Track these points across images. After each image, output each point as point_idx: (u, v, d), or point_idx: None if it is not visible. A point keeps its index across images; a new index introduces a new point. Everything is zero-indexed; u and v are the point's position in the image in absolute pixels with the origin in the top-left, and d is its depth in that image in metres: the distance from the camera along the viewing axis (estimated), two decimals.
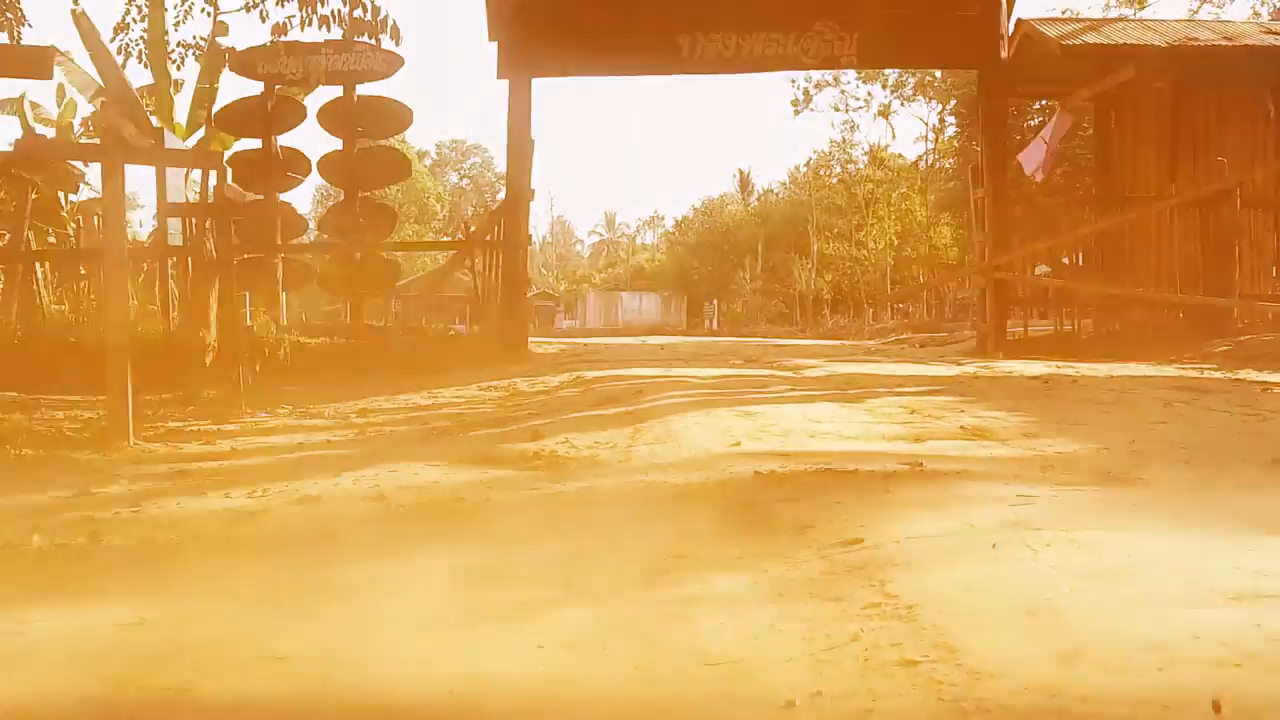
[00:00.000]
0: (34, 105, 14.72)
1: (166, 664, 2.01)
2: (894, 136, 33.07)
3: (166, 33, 12.25)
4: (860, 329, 26.38)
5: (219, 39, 13.26)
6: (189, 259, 9.23)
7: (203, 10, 10.81)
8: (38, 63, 5.42)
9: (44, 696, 1.90)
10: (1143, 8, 22.45)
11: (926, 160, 34.32)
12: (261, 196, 10.60)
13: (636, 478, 3.86)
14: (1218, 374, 8.07)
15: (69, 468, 4.70)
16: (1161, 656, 1.71)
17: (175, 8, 11.04)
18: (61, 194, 13.06)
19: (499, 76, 9.81)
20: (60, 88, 14.79)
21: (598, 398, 6.53)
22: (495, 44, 10.20)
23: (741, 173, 42.81)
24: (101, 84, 13.66)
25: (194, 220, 8.92)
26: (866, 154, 34.67)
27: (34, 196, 13.04)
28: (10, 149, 11.56)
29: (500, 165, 48.71)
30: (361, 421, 6.30)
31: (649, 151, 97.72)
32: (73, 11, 13.13)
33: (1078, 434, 4.64)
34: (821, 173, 36.24)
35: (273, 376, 8.58)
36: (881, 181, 32.60)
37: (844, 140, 34.79)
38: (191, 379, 7.33)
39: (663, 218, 48.30)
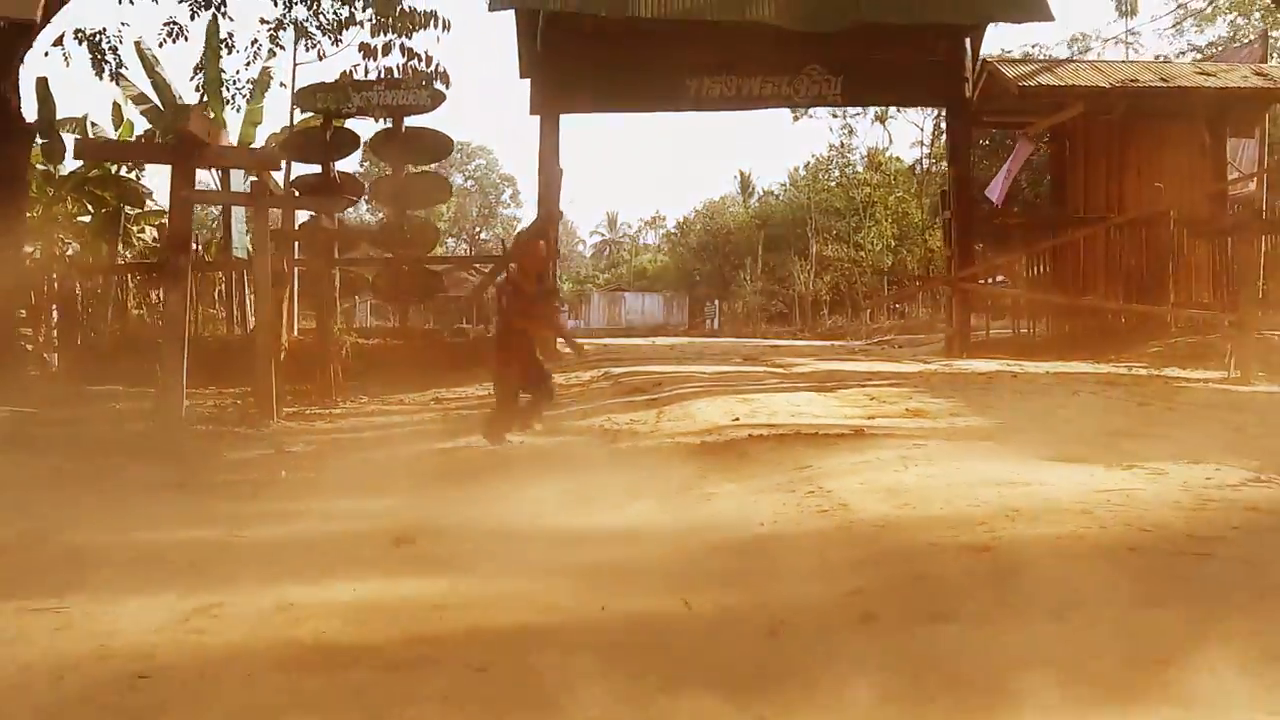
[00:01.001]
0: (93, 125, 16.52)
1: (423, 524, 3.82)
2: (890, 141, 34.70)
3: (223, 71, 14.08)
4: (858, 329, 27.83)
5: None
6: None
7: (270, 53, 12.57)
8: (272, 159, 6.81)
9: (367, 533, 3.72)
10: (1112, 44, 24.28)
11: (922, 164, 35.92)
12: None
13: (665, 440, 5.68)
14: (1142, 371, 9.86)
15: (244, 438, 6.49)
16: (950, 504, 3.55)
17: (245, 49, 12.79)
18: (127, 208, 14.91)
19: (531, 113, 11.64)
20: (116, 108, 16.54)
21: (625, 389, 8.34)
22: (528, 80, 12.08)
23: (742, 174, 44.69)
24: (159, 105, 15.53)
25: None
26: (864, 158, 36.26)
27: (104, 211, 15.01)
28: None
29: (505, 168, 50.58)
30: (439, 407, 8.10)
31: (650, 152, 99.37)
32: (136, 44, 14.98)
33: (988, 414, 6.46)
34: (820, 176, 37.88)
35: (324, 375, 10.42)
36: (878, 185, 34.08)
37: (842, 144, 36.46)
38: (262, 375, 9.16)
39: (664, 218, 50.25)
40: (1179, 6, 18.47)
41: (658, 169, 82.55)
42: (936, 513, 3.53)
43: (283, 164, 12.11)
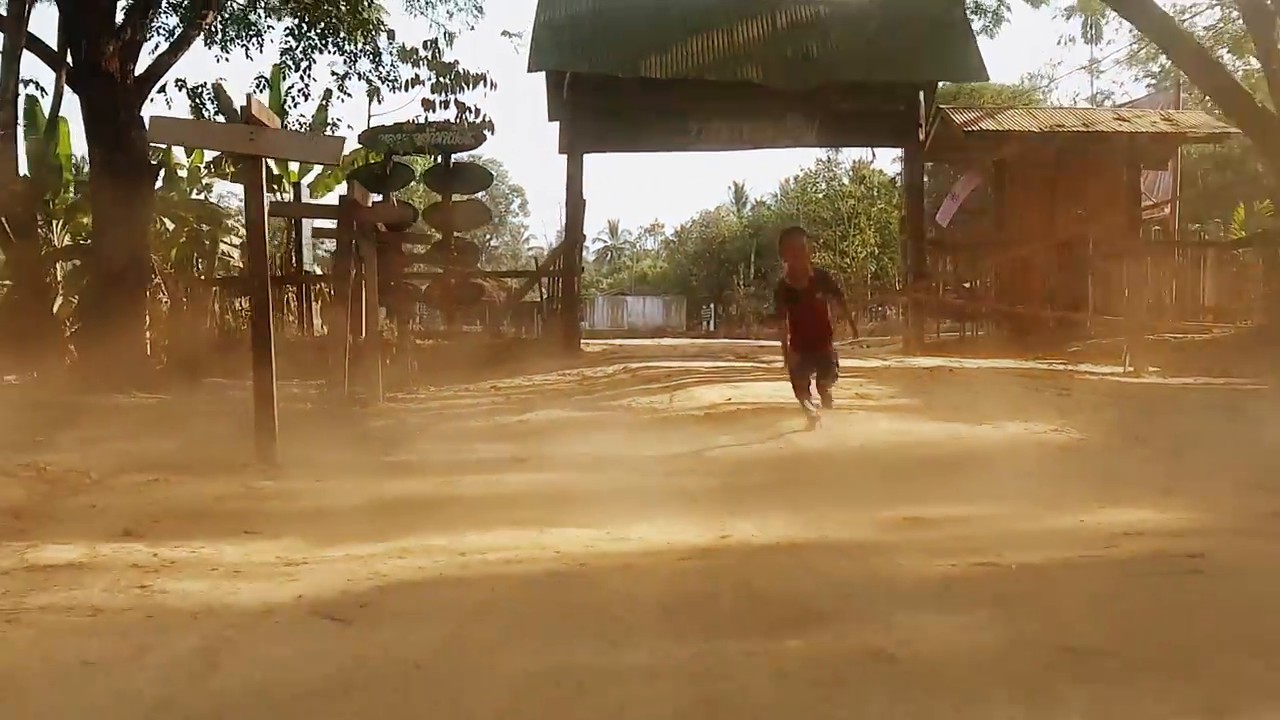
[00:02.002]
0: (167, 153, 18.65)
1: (529, 456, 5.98)
2: (874, 155, 36.77)
3: (286, 110, 16.25)
4: (842, 330, 29.88)
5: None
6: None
7: (337, 98, 14.74)
8: (331, 150, 8.49)
9: (496, 459, 5.87)
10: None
11: (903, 177, 37.96)
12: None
13: (677, 412, 7.83)
14: (1060, 367, 12.02)
15: (363, 415, 8.60)
16: (860, 440, 5.74)
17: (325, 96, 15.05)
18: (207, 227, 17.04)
19: (560, 152, 13.81)
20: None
21: (642, 379, 10.47)
22: (556, 123, 14.25)
23: (736, 185, 47.03)
24: None
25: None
26: (849, 171, 38.33)
27: (187, 229, 17.14)
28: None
29: (514, 178, 52.76)
30: (498, 393, 10.22)
31: (650, 164, 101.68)
32: (215, 84, 17.10)
33: (916, 397, 8.64)
34: (808, 188, 39.98)
35: (402, 368, 12.58)
36: (862, 197, 36.12)
37: (829, 159, 38.55)
38: (370, 367, 11.30)
39: (663, 226, 52.55)
40: (1136, 39, 20.64)
41: (657, 179, 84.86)
42: (852, 445, 5.73)
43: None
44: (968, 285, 14.45)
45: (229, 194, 19.81)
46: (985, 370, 11.34)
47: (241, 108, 5.72)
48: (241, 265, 16.36)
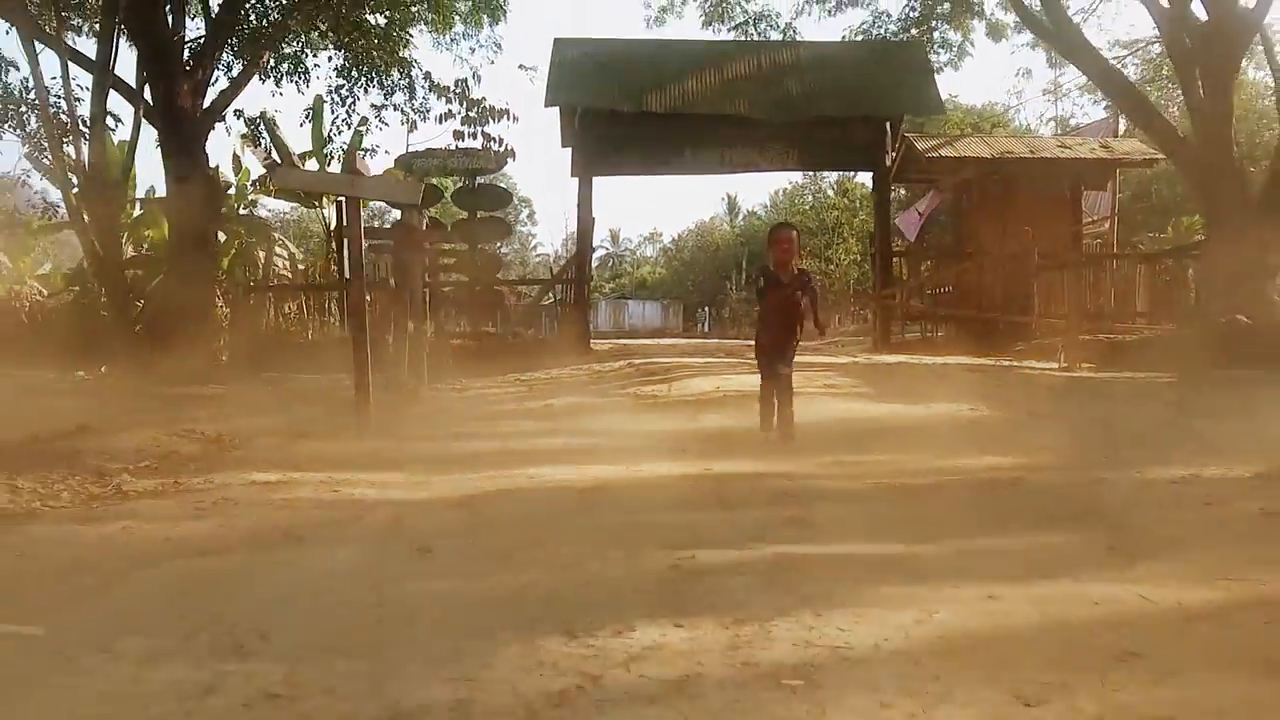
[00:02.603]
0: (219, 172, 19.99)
1: (559, 428, 7.32)
2: (855, 172, 38.08)
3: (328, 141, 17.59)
4: (836, 331, 31.25)
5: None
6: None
7: (376, 126, 16.12)
8: (411, 193, 9.85)
9: (536, 430, 7.20)
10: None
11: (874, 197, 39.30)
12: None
13: (676, 399, 9.14)
14: (1006, 363, 13.38)
15: (415, 401, 9.92)
16: (821, 417, 7.07)
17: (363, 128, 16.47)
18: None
19: (572, 175, 15.15)
20: (235, 158, 19.95)
21: (645, 372, 11.80)
22: (569, 149, 15.60)
23: (729, 196, 48.52)
24: (278, 160, 19.01)
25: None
26: (834, 185, 39.66)
27: (238, 243, 18.46)
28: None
29: (523, 190, 54.20)
30: (522, 384, 11.53)
31: (649, 179, 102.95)
32: (263, 114, 18.46)
33: (875, 385, 9.98)
34: (796, 200, 41.37)
35: (439, 364, 13.91)
36: (845, 209, 37.48)
37: (814, 174, 39.90)
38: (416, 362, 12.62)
39: (661, 234, 54.01)
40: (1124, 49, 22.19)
41: (656, 193, 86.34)
42: (811, 419, 7.05)
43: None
44: (930, 292, 15.80)
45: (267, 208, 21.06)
46: (937, 365, 12.66)
47: (345, 160, 7.02)
48: (288, 274, 17.74)
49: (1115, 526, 3.39)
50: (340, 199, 7.82)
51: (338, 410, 7.88)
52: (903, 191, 22.21)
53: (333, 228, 18.93)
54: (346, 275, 7.49)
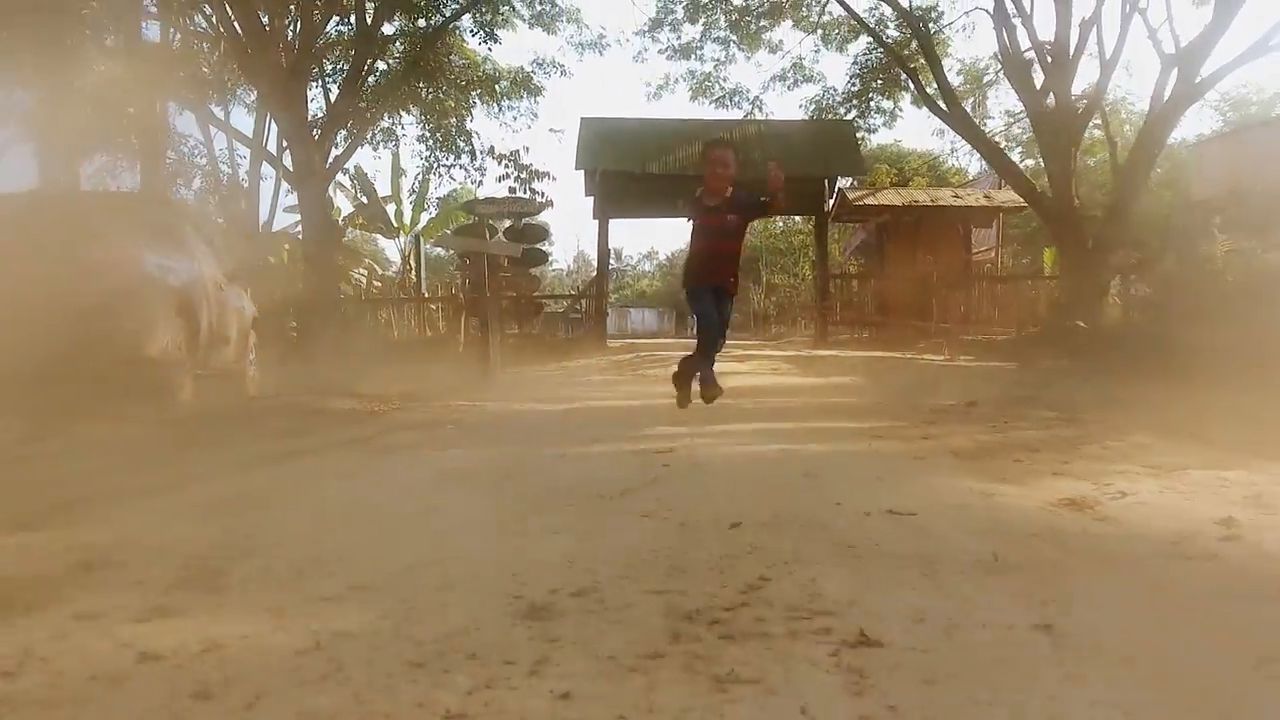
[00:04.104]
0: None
1: (590, 394, 10.46)
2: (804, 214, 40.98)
3: (412, 190, 20.68)
4: (794, 334, 34.30)
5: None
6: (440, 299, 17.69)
7: (448, 179, 19.24)
8: (515, 249, 13.09)
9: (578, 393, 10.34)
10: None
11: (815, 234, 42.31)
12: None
13: (669, 374, 12.30)
14: (906, 356, 16.49)
15: (496, 378, 13.03)
16: (756, 383, 10.22)
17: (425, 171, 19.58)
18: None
19: (593, 218, 18.30)
20: (328, 199, 23.02)
21: (649, 361, 14.95)
22: (590, 197, 18.72)
23: None
24: (365, 201, 22.16)
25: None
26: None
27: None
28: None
29: (542, 217, 57.68)
30: (564, 370, 14.67)
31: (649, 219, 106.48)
32: (357, 168, 21.60)
33: (802, 368, 13.16)
34: (768, 225, 44.39)
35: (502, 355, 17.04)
36: (810, 232, 40.52)
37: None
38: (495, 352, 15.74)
39: (657, 252, 57.32)
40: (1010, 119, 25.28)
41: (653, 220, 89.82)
42: (755, 384, 10.19)
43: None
44: (857, 304, 18.96)
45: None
46: (853, 357, 15.73)
47: (476, 221, 10.16)
48: (378, 289, 20.89)
49: (880, 416, 6.54)
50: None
51: (455, 382, 11.00)
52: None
53: (408, 255, 22.14)
54: (470, 293, 10.52)
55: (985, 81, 23.12)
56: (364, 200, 22.06)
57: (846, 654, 1.72)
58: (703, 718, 1.46)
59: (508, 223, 19.31)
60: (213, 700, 1.51)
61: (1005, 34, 16.20)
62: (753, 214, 5.30)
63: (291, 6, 14.64)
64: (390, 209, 21.78)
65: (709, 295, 5.25)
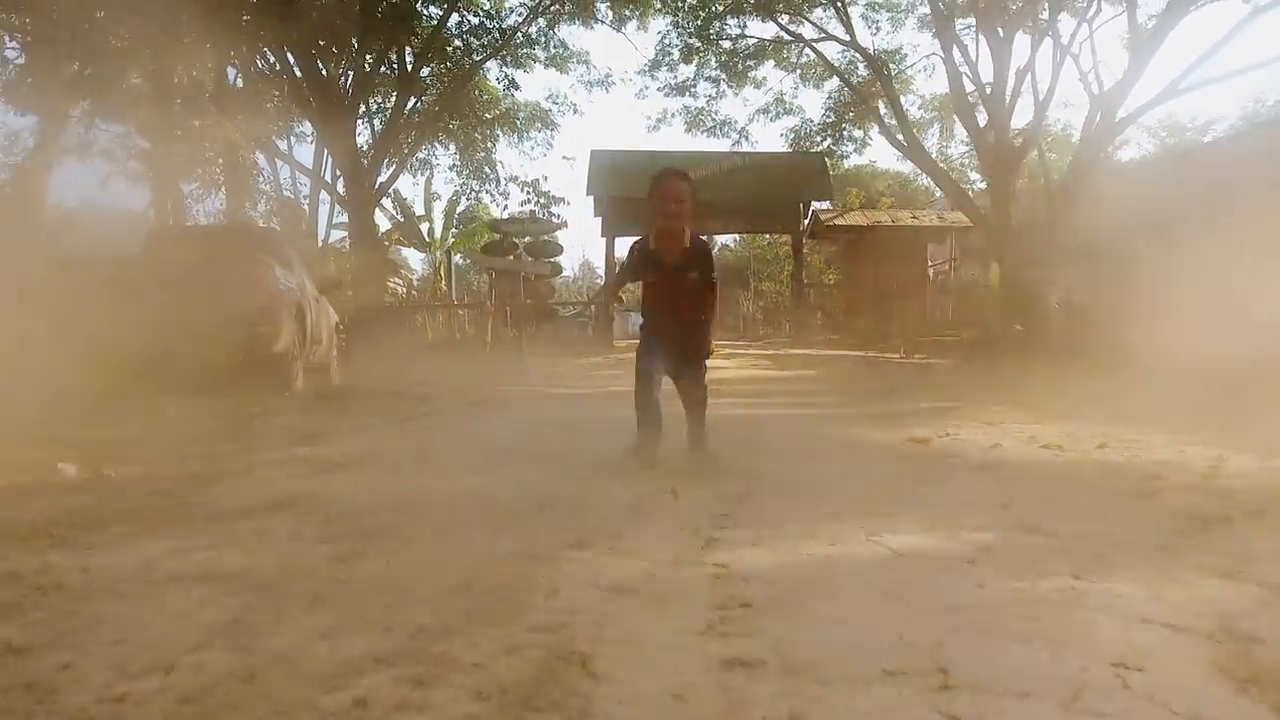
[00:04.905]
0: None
1: (607, 379, 12.19)
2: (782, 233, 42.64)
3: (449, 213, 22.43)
4: (777, 335, 36.07)
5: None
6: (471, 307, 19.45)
7: (473, 200, 20.99)
8: (542, 270, 14.91)
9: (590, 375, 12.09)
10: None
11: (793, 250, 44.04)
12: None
13: None
14: (870, 354, 18.30)
15: (526, 364, 14.73)
16: (736, 375, 11.97)
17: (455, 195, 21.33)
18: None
19: (602, 235, 20.05)
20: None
21: None
22: (599, 217, 20.48)
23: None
24: (402, 220, 23.91)
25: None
26: None
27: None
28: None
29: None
30: (578, 362, 16.39)
31: None
32: (395, 191, 23.32)
33: (779, 363, 14.93)
34: (757, 237, 46.09)
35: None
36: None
37: None
38: (527, 343, 17.48)
39: None
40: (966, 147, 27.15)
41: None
42: (734, 375, 11.92)
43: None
44: (830, 310, 20.72)
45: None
46: (823, 355, 17.58)
47: (503, 238, 11.91)
48: (415, 295, 22.63)
49: (823, 396, 8.28)
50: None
51: (492, 375, 12.75)
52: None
53: (439, 267, 23.90)
54: (503, 300, 12.26)
55: (948, 112, 24.93)
56: (400, 219, 23.77)
57: (752, 482, 3.48)
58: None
59: (528, 239, 21.08)
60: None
61: (953, 78, 17.96)
62: (710, 276, 3.93)
63: (344, 59, 16.39)
64: (424, 227, 23.51)
65: (662, 354, 3.95)
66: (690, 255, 4.01)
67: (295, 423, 6.14)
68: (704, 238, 4.29)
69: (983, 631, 1.78)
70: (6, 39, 14.59)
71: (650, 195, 4.10)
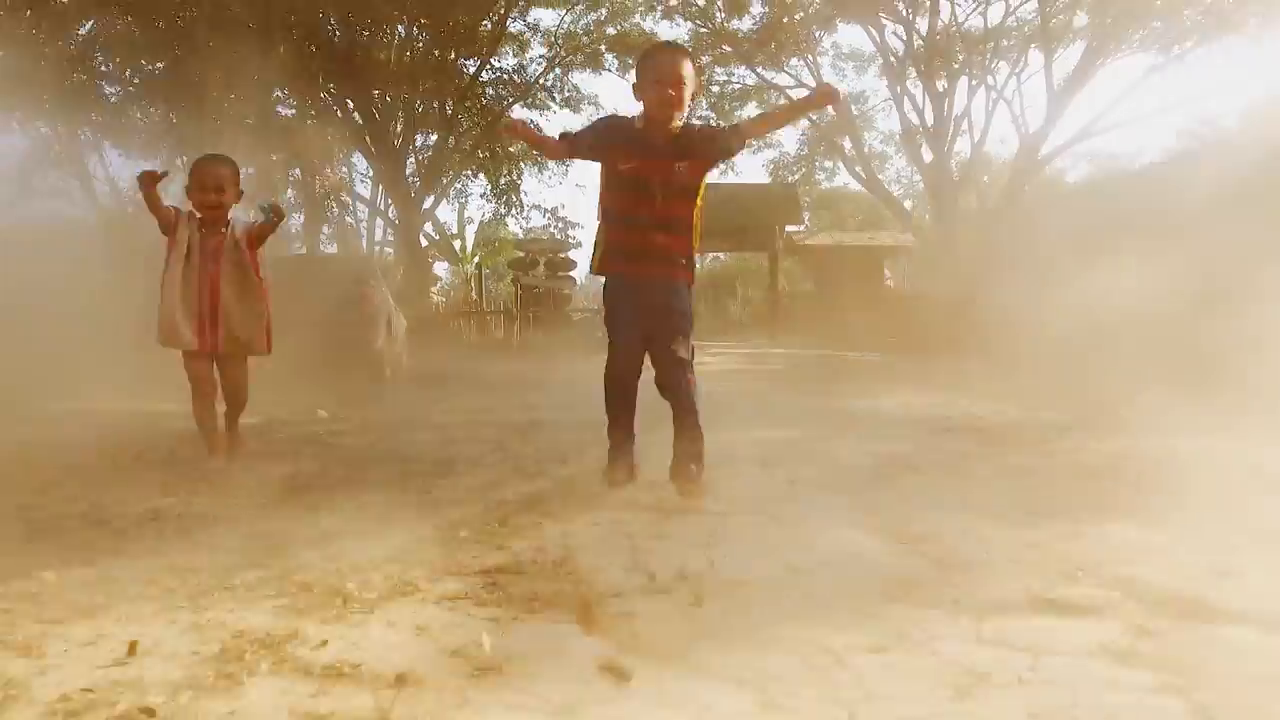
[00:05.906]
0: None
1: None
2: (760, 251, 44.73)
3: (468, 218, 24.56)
4: (759, 338, 38.14)
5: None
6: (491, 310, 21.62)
7: (499, 222, 23.07)
8: (568, 284, 16.90)
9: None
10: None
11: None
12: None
13: None
14: (832, 352, 20.47)
15: (551, 363, 16.84)
16: (720, 368, 14.15)
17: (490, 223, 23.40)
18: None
19: None
20: None
21: None
22: None
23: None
24: (438, 238, 26.02)
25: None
26: None
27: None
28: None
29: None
30: (597, 360, 18.42)
31: None
32: (433, 219, 25.40)
33: (760, 364, 17.07)
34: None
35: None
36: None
37: None
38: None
39: None
40: None
41: None
42: (717, 369, 14.03)
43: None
44: (802, 316, 22.86)
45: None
46: (794, 353, 19.74)
47: (527, 255, 14.02)
48: (443, 299, 24.75)
49: (780, 380, 10.40)
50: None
51: (528, 366, 14.85)
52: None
53: (471, 279, 25.99)
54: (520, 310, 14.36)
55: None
56: (436, 237, 25.86)
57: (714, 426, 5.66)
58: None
59: (548, 255, 23.21)
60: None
61: (903, 120, 20.14)
62: (715, 155, 3.12)
63: (400, 111, 18.55)
64: (456, 244, 25.62)
65: (632, 305, 3.11)
66: (679, 141, 2.87)
67: (412, 395, 8.29)
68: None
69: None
70: (105, 85, 16.51)
71: (639, 75, 2.85)
